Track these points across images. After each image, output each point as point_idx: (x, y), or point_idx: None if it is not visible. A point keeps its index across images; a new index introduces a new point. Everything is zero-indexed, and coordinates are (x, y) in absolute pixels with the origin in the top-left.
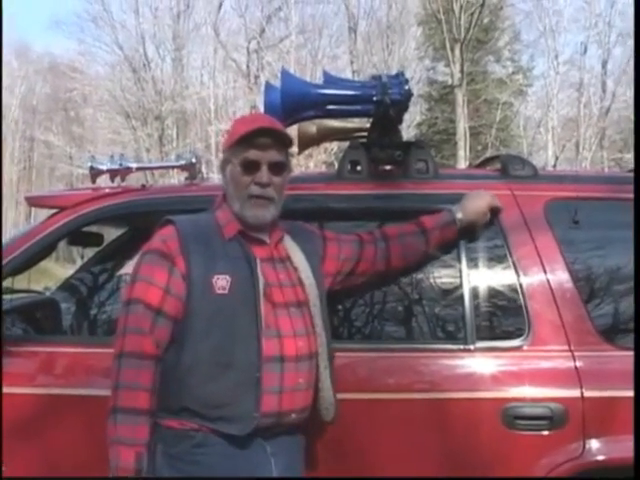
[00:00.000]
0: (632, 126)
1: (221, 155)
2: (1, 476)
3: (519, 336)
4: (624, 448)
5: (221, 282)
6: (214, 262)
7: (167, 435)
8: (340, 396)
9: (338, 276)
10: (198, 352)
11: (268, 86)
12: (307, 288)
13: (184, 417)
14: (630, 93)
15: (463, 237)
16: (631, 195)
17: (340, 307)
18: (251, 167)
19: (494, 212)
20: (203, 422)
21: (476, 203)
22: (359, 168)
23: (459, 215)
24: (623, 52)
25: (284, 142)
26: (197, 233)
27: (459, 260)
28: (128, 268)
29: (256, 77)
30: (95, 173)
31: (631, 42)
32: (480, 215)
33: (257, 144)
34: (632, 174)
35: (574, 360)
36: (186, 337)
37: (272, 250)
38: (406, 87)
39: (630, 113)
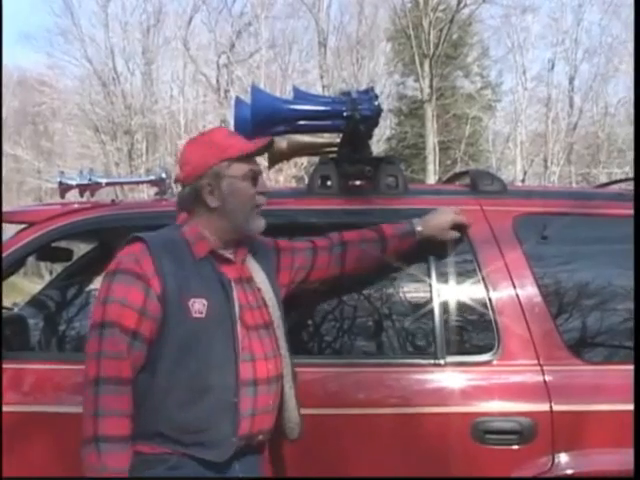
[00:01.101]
0: (599, 142)
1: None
2: (1, 476)
3: (489, 351)
4: (593, 462)
5: (197, 305)
6: (188, 283)
7: (137, 461)
8: (310, 411)
9: (291, 285)
10: (174, 377)
11: (238, 101)
12: (270, 309)
13: (156, 442)
14: (596, 109)
15: (431, 252)
16: (599, 210)
17: (310, 322)
18: (256, 178)
19: (459, 228)
20: (176, 447)
21: (438, 218)
22: (329, 183)
23: (419, 228)
24: (589, 69)
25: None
26: (168, 252)
27: (429, 275)
28: (97, 284)
29: (226, 91)
30: (64, 188)
31: (597, 59)
32: (441, 230)
33: (252, 157)
34: (600, 190)
35: (543, 374)
36: (160, 360)
37: (239, 270)
38: (376, 103)
39: (597, 129)
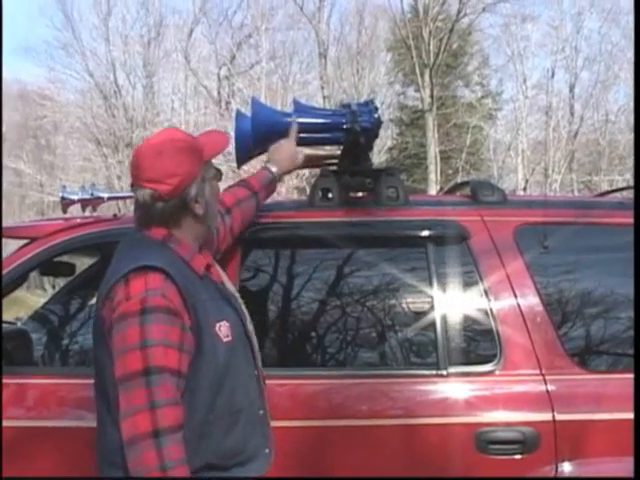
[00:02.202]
0: (600, 149)
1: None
2: (1, 476)
3: (491, 361)
4: (596, 471)
5: (224, 330)
6: (207, 307)
7: None
8: (314, 423)
9: None
10: (215, 405)
11: (239, 114)
12: (242, 306)
13: (203, 473)
14: (597, 117)
15: (433, 263)
16: (598, 219)
17: (314, 334)
18: (220, 175)
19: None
20: (221, 473)
21: (282, 151)
22: (330, 195)
23: (274, 169)
24: (590, 76)
25: None
26: (182, 277)
27: (431, 286)
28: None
29: (227, 103)
30: (66, 203)
31: (597, 67)
32: (292, 160)
33: None
34: (601, 199)
35: (545, 384)
36: (199, 391)
37: (217, 273)
38: (376, 115)
39: (598, 136)
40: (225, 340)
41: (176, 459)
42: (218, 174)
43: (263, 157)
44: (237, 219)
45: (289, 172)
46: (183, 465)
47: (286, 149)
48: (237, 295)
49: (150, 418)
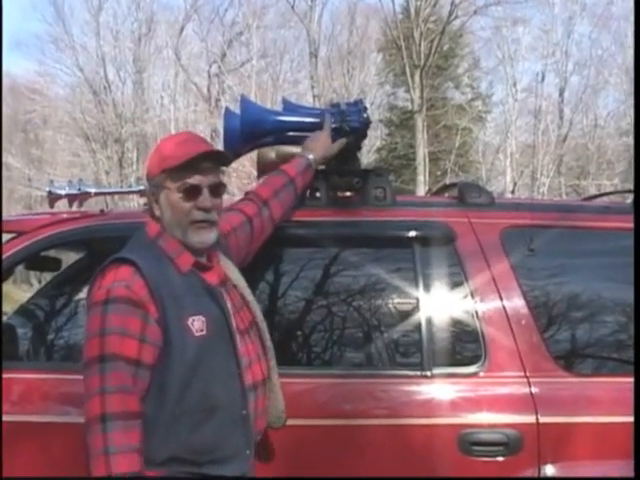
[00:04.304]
0: (589, 154)
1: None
2: (1, 476)
3: (475, 362)
4: (579, 474)
5: (197, 324)
6: (182, 302)
7: None
8: (299, 422)
9: (241, 265)
10: (184, 399)
11: (228, 112)
12: (251, 305)
13: (172, 466)
14: (586, 121)
15: (419, 264)
16: (585, 223)
17: (299, 333)
18: (192, 192)
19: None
20: (192, 468)
21: (318, 141)
22: (318, 195)
23: (311, 156)
24: (580, 81)
25: (223, 163)
26: (156, 271)
27: (416, 287)
28: (86, 293)
29: (217, 101)
30: (53, 198)
31: (587, 72)
32: (327, 149)
33: (198, 168)
34: (587, 203)
35: (529, 386)
36: (168, 386)
37: (218, 272)
38: (364, 115)
39: (587, 141)
40: (197, 334)
41: (120, 445)
42: (182, 187)
43: (252, 155)
44: (276, 210)
45: (323, 160)
46: (128, 452)
47: (322, 139)
48: (246, 293)
49: (99, 403)
